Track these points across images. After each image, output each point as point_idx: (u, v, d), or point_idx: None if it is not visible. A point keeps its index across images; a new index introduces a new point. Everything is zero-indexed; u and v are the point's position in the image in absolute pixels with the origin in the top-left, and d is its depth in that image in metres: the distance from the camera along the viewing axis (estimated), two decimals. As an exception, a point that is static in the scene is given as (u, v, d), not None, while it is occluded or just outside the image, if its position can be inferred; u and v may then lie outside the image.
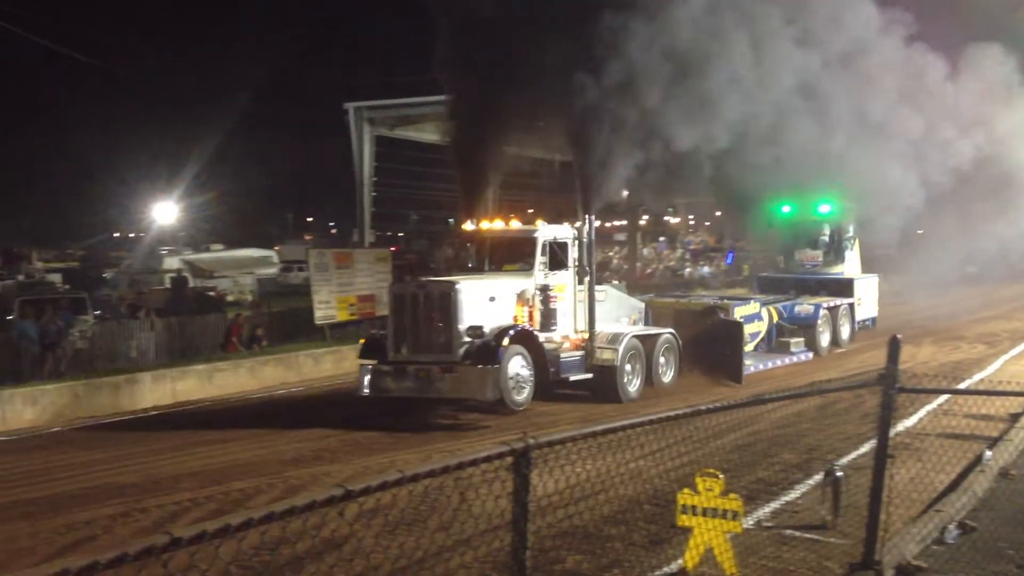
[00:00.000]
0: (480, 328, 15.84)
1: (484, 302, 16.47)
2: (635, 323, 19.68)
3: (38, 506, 11.57)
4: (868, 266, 28.01)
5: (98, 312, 27.61)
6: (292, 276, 52.07)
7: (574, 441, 4.66)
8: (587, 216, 17.88)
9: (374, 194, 45.22)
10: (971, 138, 26.75)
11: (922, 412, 13.55)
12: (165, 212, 61.61)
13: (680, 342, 19.20)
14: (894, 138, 24.33)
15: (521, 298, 17.06)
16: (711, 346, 19.61)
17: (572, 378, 17.32)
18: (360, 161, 46.32)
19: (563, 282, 17.67)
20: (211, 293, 38.13)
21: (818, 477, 9.92)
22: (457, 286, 16.21)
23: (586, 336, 17.63)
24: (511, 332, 16.21)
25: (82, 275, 49.50)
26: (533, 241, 17.54)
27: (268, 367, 21.95)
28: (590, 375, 17.47)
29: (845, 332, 24.96)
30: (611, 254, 52.18)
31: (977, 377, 18.84)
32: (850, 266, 26.87)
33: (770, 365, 21.26)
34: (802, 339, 23.10)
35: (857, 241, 27.07)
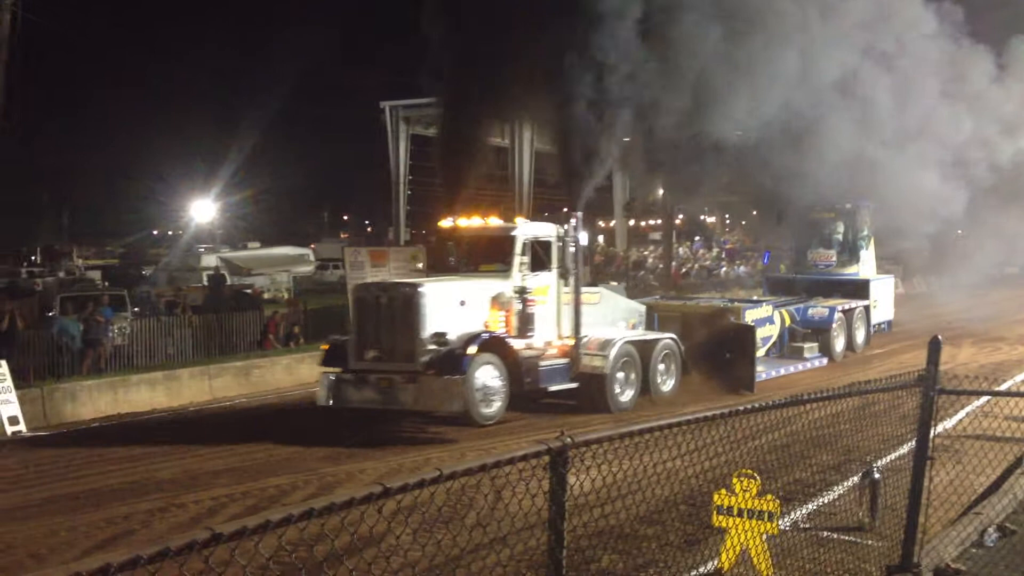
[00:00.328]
0: (444, 335, 14.77)
1: (452, 306, 15.38)
2: (634, 327, 18.52)
3: (77, 500, 11.73)
4: (901, 268, 27.50)
5: (137, 309, 27.93)
6: (328, 274, 52.38)
7: (611, 440, 4.65)
8: (573, 213, 16.73)
9: (409, 192, 45.44)
10: (1013, 136, 26.28)
11: (962, 414, 13.40)
12: (203, 210, 62.24)
13: (682, 348, 18.09)
14: (933, 141, 23.84)
15: (496, 302, 15.87)
16: (720, 352, 18.61)
17: (552, 388, 16.20)
18: (396, 160, 46.47)
19: (545, 284, 16.50)
20: (248, 291, 38.42)
21: (856, 479, 9.85)
22: (421, 289, 15.16)
23: (573, 342, 16.53)
24: (479, 339, 15.07)
25: (121, 272, 50.13)
26: (511, 240, 16.33)
27: (304, 364, 22.10)
28: (575, 384, 16.35)
29: (860, 336, 24.07)
30: (646, 253, 51.99)
31: (1018, 378, 18.63)
32: (865, 266, 25.84)
33: (782, 372, 20.39)
34: (816, 344, 22.25)
35: (872, 240, 26.15)
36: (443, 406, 14.67)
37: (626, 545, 8.48)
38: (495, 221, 17.09)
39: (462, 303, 15.50)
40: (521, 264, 16.20)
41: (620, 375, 16.75)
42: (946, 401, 7.95)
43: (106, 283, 42.27)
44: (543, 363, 16.04)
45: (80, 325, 20.34)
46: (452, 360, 14.64)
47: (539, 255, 16.45)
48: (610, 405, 16.35)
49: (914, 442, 7.20)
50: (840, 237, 25.61)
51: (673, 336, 18.17)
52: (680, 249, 47.32)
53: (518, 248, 16.19)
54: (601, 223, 61.26)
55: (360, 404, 15.23)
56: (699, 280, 40.39)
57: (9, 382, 16.41)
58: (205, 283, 39.07)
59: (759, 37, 19.49)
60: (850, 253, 25.49)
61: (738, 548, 7.86)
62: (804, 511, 9.89)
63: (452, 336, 14.86)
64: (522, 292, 15.84)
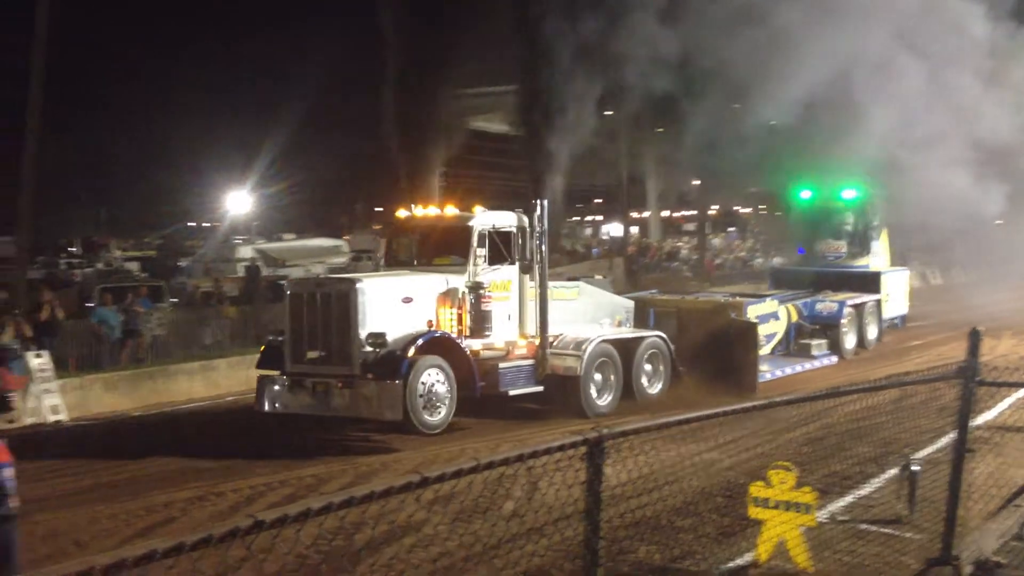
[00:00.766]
0: (382, 335, 13.56)
1: (394, 304, 14.20)
2: (620, 324, 17.20)
3: (117, 488, 11.89)
4: (927, 258, 26.64)
5: (174, 300, 28.20)
6: (361, 265, 52.55)
7: (648, 432, 4.66)
8: (537, 201, 15.25)
9: (443, 184, 45.54)
10: None
11: (1002, 405, 13.26)
12: (238, 202, 62.66)
13: (671, 347, 16.83)
14: (966, 132, 23.22)
15: (447, 298, 14.67)
16: (720, 350, 17.20)
17: (513, 392, 14.85)
18: (432, 151, 46.44)
19: (506, 278, 15.25)
20: (283, 282, 38.60)
21: (894, 471, 9.77)
22: (358, 285, 13.98)
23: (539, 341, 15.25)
24: (423, 340, 13.86)
25: (159, 263, 50.65)
26: (467, 231, 15.10)
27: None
28: (539, 388, 15.09)
29: (872, 332, 22.88)
30: (680, 244, 51.79)
31: (1060, 370, 18.33)
32: (877, 258, 24.54)
33: (788, 372, 18.99)
34: (824, 341, 20.97)
35: (885, 231, 24.91)
36: (380, 414, 13.48)
37: (662, 536, 8.47)
38: (451, 211, 15.78)
39: (407, 300, 14.35)
40: (478, 257, 15.01)
41: (597, 376, 15.56)
42: (986, 393, 7.89)
43: (144, 274, 42.73)
44: (504, 365, 14.85)
45: (120, 316, 20.58)
46: (390, 363, 13.45)
47: (499, 247, 15.22)
48: (585, 409, 15.12)
49: (953, 434, 7.14)
50: (850, 228, 24.29)
51: (660, 334, 16.99)
52: (715, 240, 47.04)
53: (475, 240, 15.01)
54: (635, 214, 61.11)
55: (296, 410, 14.32)
56: (733, 271, 40.16)
57: (51, 372, 16.65)
58: (241, 274, 39.39)
59: (796, 14, 19.10)
60: (860, 244, 24.28)
61: (775, 540, 7.83)
62: (841, 503, 9.82)
63: (394, 336, 13.71)
64: (476, 288, 14.64)
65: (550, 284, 15.60)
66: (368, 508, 3.35)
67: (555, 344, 15.36)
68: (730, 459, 5.88)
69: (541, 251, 15.17)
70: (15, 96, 23.42)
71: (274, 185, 60.47)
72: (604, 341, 15.75)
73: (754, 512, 7.90)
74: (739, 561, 8.07)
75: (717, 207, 56.51)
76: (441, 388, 13.80)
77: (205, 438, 14.84)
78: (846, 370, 19.98)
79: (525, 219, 15.46)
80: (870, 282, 23.49)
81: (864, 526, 8.96)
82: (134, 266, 49.90)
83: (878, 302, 23.21)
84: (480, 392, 14.34)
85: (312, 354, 14.18)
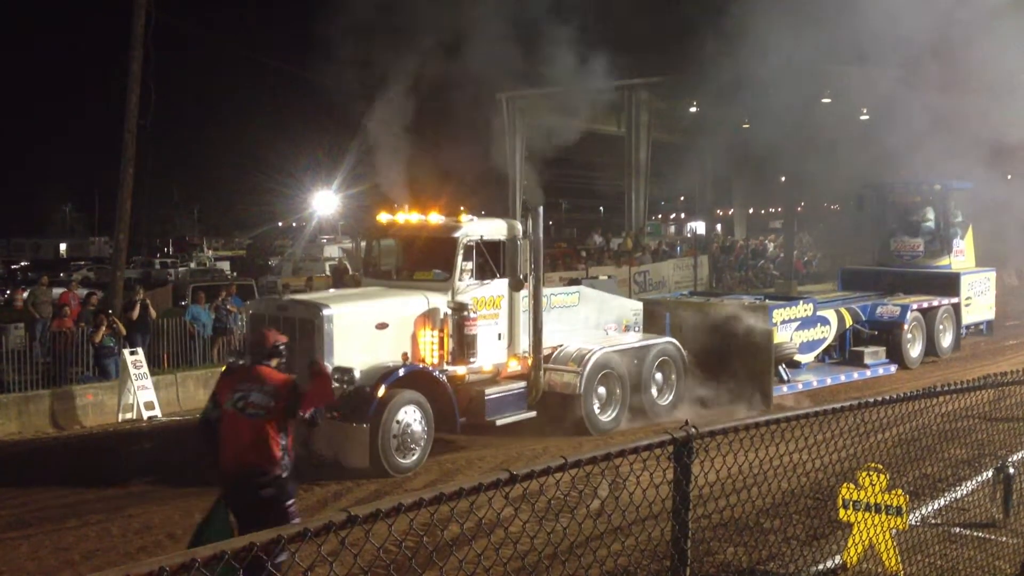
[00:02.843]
0: (350, 371, 11.99)
1: (367, 331, 12.68)
2: (627, 329, 15.88)
3: (210, 484, 12.10)
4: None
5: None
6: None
7: (735, 431, 4.63)
8: (532, 208, 14.03)
9: (524, 183, 45.63)
10: None
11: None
12: (325, 202, 63.62)
13: (684, 354, 15.72)
14: None
15: (427, 320, 13.16)
16: (737, 359, 16.07)
17: (500, 422, 13.43)
18: (512, 150, 46.67)
19: (496, 294, 13.78)
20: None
21: (988, 474, 9.54)
22: (324, 312, 12.34)
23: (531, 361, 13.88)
24: (395, 376, 12.34)
25: (249, 263, 51.74)
26: (452, 243, 13.55)
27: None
28: (531, 414, 13.77)
29: (946, 339, 21.09)
30: (766, 242, 50.99)
31: None
32: (959, 258, 22.58)
33: (828, 382, 17.34)
34: (882, 348, 19.39)
35: (971, 228, 22.98)
36: (345, 458, 12.06)
37: (749, 538, 8.40)
38: (436, 218, 14.20)
39: (381, 326, 12.84)
40: (463, 272, 13.55)
41: (601, 390, 14.54)
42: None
43: (234, 273, 43.68)
44: (491, 391, 13.39)
45: (212, 313, 21.07)
46: (357, 403, 11.98)
47: (487, 259, 13.77)
48: (588, 427, 14.21)
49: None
50: (931, 224, 22.50)
51: (671, 340, 15.77)
52: (804, 237, 46.14)
53: (460, 253, 13.51)
54: (719, 211, 60.41)
55: None
56: (823, 269, 39.40)
57: (145, 369, 17.11)
58: (328, 273, 40.00)
59: None
60: (941, 242, 22.39)
61: (865, 543, 7.71)
62: (934, 506, 9.62)
63: (365, 368, 12.25)
64: (460, 309, 13.15)
65: (547, 291, 14.58)
66: (457, 504, 3.40)
67: (553, 358, 14.36)
68: (819, 460, 5.79)
69: (535, 263, 13.81)
70: (116, 99, 24.11)
71: (359, 186, 61.27)
72: (607, 352, 14.60)
73: (844, 515, 7.79)
74: (828, 564, 7.97)
75: (803, 204, 55.54)
76: (417, 428, 12.39)
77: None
78: (921, 378, 18.34)
79: (518, 227, 14.12)
80: (948, 284, 21.73)
81: (957, 530, 8.77)
82: (225, 265, 51.08)
83: (955, 306, 21.44)
84: (461, 428, 13.12)
85: None
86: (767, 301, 18.44)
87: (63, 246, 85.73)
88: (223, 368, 12.74)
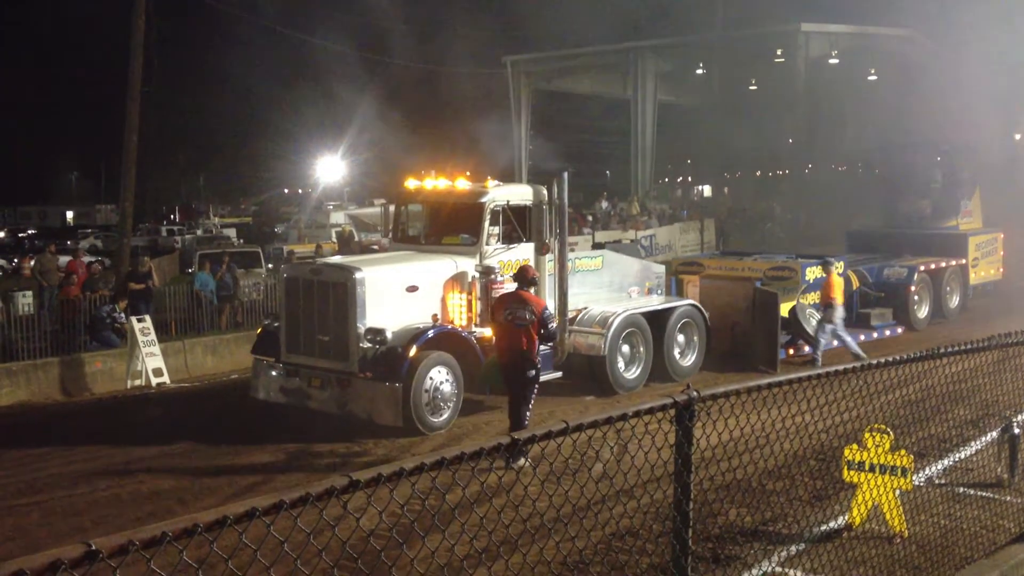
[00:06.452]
0: (382, 331, 12.34)
1: (398, 294, 13.03)
2: (650, 292, 16.11)
3: (219, 449, 12.27)
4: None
5: (271, 265, 28.81)
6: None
7: (737, 395, 4.63)
8: (561, 172, 14.14)
9: (530, 147, 45.49)
10: None
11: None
12: (331, 168, 63.52)
13: (706, 315, 15.86)
14: None
15: (456, 284, 13.53)
16: (744, 323, 16.34)
17: None
18: (517, 115, 46.43)
19: (522, 258, 13.80)
20: (375, 247, 39.11)
21: (994, 434, 9.56)
22: (357, 275, 12.67)
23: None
24: (425, 336, 12.64)
25: (256, 230, 51.73)
26: (479, 208, 13.86)
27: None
28: (558, 374, 14.01)
29: (953, 300, 21.10)
30: (773, 205, 50.78)
31: None
32: (967, 219, 22.52)
33: (835, 344, 17.01)
34: (889, 310, 19.43)
35: (978, 189, 22.86)
36: (378, 416, 12.40)
37: (753, 499, 8.44)
38: (463, 184, 14.51)
39: (411, 289, 13.19)
40: (490, 236, 13.85)
41: (625, 348, 14.79)
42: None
43: (240, 240, 43.67)
44: None
45: (215, 282, 21.13)
46: (390, 362, 12.31)
47: (514, 224, 14.05)
48: (613, 386, 14.48)
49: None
50: (937, 185, 22.43)
51: (693, 302, 16.03)
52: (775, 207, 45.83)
53: (487, 218, 13.80)
54: (726, 174, 60.15)
55: (290, 402, 13.36)
56: (828, 232, 39.28)
57: (153, 336, 17.17)
58: (333, 239, 40.00)
59: None
60: (948, 204, 22.31)
61: (869, 504, 7.74)
62: (939, 467, 9.65)
63: (397, 329, 12.59)
64: (487, 272, 13.48)
65: (572, 255, 14.74)
66: (458, 469, 3.41)
67: (578, 320, 14.59)
68: (823, 423, 5.80)
69: (560, 227, 13.96)
70: (119, 65, 24.03)
71: (365, 152, 61.10)
72: (632, 314, 14.86)
73: (849, 475, 7.81)
74: (832, 525, 8.01)
75: (811, 166, 55.26)
76: (447, 388, 12.70)
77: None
78: (928, 339, 18.15)
79: (544, 192, 14.28)
80: (955, 245, 21.59)
81: (962, 490, 8.79)
82: (231, 232, 51.07)
83: (963, 267, 21.39)
84: (489, 388, 13.24)
85: (308, 345, 13.14)
86: (799, 260, 18.48)
87: (70, 214, 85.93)
88: (258, 330, 14.75)
